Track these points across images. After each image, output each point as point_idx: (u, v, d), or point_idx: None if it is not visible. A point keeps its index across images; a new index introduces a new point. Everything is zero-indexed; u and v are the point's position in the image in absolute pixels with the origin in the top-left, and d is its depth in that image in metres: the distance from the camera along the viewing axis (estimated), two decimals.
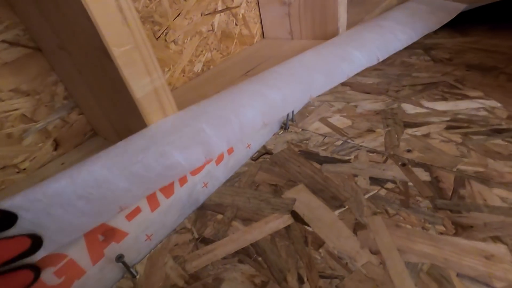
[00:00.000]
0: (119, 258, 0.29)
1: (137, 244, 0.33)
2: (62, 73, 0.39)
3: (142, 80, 0.30)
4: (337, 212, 0.35)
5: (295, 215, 0.36)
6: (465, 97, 0.50)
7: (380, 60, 0.54)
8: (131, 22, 0.27)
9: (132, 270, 0.31)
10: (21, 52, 0.38)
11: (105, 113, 0.38)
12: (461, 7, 0.71)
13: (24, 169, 0.41)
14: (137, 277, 0.32)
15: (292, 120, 0.53)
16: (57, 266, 0.27)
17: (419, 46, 0.71)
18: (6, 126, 0.38)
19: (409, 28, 0.64)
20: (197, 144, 0.33)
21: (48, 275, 0.26)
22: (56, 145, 0.44)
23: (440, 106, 0.49)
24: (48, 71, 0.40)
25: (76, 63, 0.34)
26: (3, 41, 0.36)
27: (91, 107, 0.40)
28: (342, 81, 0.48)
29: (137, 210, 0.33)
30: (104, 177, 0.27)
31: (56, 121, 0.43)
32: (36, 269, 0.25)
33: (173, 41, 0.56)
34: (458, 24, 0.76)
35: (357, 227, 0.33)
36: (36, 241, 0.25)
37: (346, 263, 0.30)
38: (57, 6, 0.28)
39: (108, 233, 0.30)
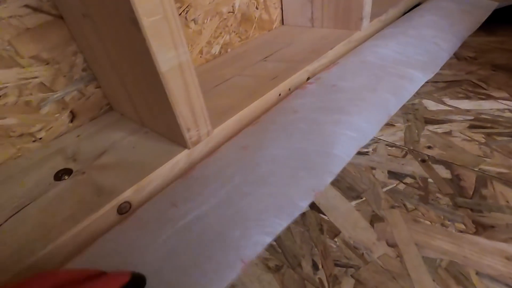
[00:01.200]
0: None
1: None
2: (83, 43, 0.39)
3: (168, 53, 0.29)
4: (353, 203, 0.35)
5: (311, 203, 0.35)
6: (490, 97, 0.49)
7: (435, 73, 0.54)
8: None
9: None
10: (43, 19, 0.37)
11: (124, 87, 0.38)
12: (494, 5, 0.68)
13: (40, 138, 0.41)
14: None
15: None
16: None
17: None
18: (25, 94, 0.38)
19: (451, 34, 0.62)
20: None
21: None
22: (73, 116, 0.43)
23: (463, 104, 0.48)
24: (68, 41, 0.40)
25: (99, 33, 0.33)
26: (26, 6, 0.35)
27: (110, 80, 0.40)
28: (408, 98, 0.47)
29: None
30: None
31: (74, 93, 0.42)
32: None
33: (193, 20, 0.54)
34: (485, 23, 0.74)
35: (374, 219, 0.33)
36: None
37: (362, 253, 0.29)
38: None
39: None
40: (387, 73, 0.49)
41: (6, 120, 0.37)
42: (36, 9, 0.36)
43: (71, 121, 0.43)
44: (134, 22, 0.26)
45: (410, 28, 0.64)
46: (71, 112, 0.43)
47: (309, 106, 0.41)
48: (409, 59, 0.55)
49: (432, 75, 0.53)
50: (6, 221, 0.30)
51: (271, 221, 0.31)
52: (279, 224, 0.31)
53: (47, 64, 0.39)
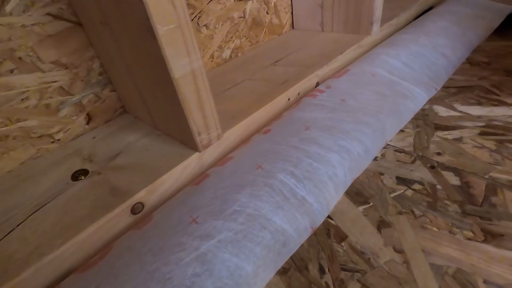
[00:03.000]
0: None
1: None
2: (100, 49, 0.40)
3: (182, 60, 0.30)
4: (361, 208, 0.35)
5: None
6: (502, 103, 0.48)
7: (438, 90, 0.53)
8: (176, 1, 0.28)
9: None
10: (63, 26, 0.39)
11: (139, 91, 0.39)
12: (509, 9, 0.67)
13: (58, 140, 0.43)
14: None
15: None
16: None
17: None
18: (45, 97, 0.40)
19: (461, 44, 0.61)
20: (303, 214, 0.32)
21: None
22: (89, 119, 0.45)
23: (475, 110, 0.47)
24: (86, 46, 0.41)
25: (116, 39, 0.35)
26: (48, 14, 0.37)
27: (125, 84, 0.41)
28: (409, 119, 0.47)
29: None
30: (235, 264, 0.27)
31: (90, 96, 0.44)
32: None
33: (205, 25, 0.56)
34: (499, 27, 0.73)
35: (381, 224, 0.33)
36: None
37: (369, 258, 0.30)
38: None
39: None
40: (394, 92, 0.49)
41: (27, 122, 0.39)
42: (57, 17, 0.38)
43: (87, 123, 0.45)
44: (149, 30, 0.28)
45: (422, 35, 0.63)
46: (88, 114, 0.45)
47: (320, 123, 0.41)
48: (416, 73, 0.55)
49: (435, 92, 0.53)
50: (26, 218, 0.31)
51: None
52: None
53: (66, 68, 0.40)
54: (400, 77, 0.53)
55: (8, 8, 0.34)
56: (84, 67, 0.42)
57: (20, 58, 0.36)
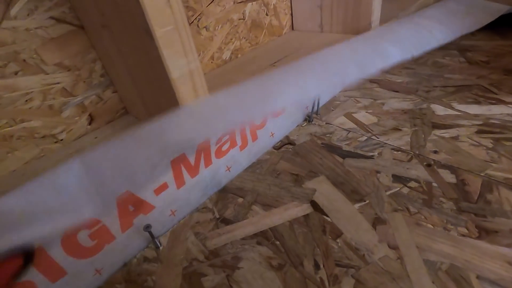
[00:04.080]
0: (147, 227, 0.31)
1: (162, 218, 0.35)
2: (102, 51, 0.41)
3: (179, 61, 0.31)
4: (357, 205, 0.35)
5: (314, 205, 0.36)
6: (500, 102, 0.48)
7: (415, 57, 0.52)
8: (173, 4, 0.28)
9: (156, 241, 0.33)
10: (66, 29, 0.40)
11: (139, 92, 0.40)
12: (504, 9, 0.67)
13: (61, 140, 0.44)
14: (161, 248, 0.34)
15: (316, 113, 0.53)
16: (91, 230, 0.29)
17: (455, 47, 0.69)
18: (48, 98, 0.41)
19: (446, 27, 0.61)
20: None
21: (83, 237, 0.29)
22: (91, 119, 0.46)
23: (472, 109, 0.48)
24: (88, 49, 0.42)
25: (116, 42, 0.36)
26: (51, 17, 0.38)
27: (126, 85, 0.42)
28: (373, 73, 0.47)
29: (164, 186, 0.34)
30: None
31: (92, 97, 0.45)
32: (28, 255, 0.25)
33: (205, 27, 0.57)
34: (499, 26, 0.73)
35: (377, 221, 0.33)
36: (28, 257, 0.25)
37: (363, 254, 0.30)
38: None
39: (138, 205, 0.32)
40: (363, 46, 0.50)
41: (31, 122, 0.40)
42: (59, 20, 0.39)
43: (90, 123, 0.46)
44: (147, 32, 0.28)
45: (408, 19, 0.63)
46: (90, 115, 0.46)
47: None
48: (392, 35, 0.54)
49: (410, 56, 0.51)
50: None
51: None
52: None
53: (69, 70, 0.42)
54: (379, 37, 0.53)
55: (12, 12, 0.36)
56: (86, 69, 0.43)
57: (24, 60, 0.37)
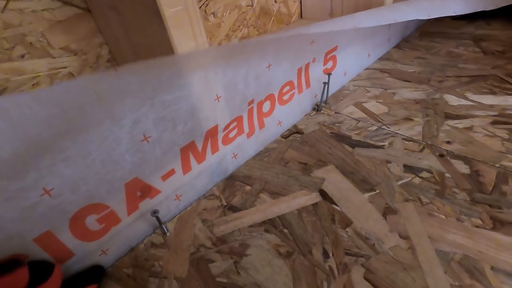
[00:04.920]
0: (154, 212, 0.31)
1: (168, 203, 0.35)
2: (108, 35, 0.41)
3: (188, 43, 0.30)
4: (367, 195, 0.35)
5: (323, 194, 0.36)
6: None
7: (431, 17, 0.49)
8: None
9: (163, 226, 0.33)
10: (73, 12, 0.39)
11: None
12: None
13: None
14: (168, 234, 0.34)
15: (325, 102, 0.52)
16: (99, 214, 0.29)
17: (469, 37, 0.67)
18: (55, 82, 0.40)
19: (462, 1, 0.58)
20: None
21: (91, 222, 0.28)
22: None
23: (487, 100, 0.46)
24: (95, 33, 0.42)
25: (124, 24, 0.35)
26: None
27: None
28: (388, 22, 0.45)
29: (172, 172, 0.34)
30: None
31: None
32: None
33: (213, 13, 0.55)
34: None
35: (387, 211, 0.33)
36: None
37: (374, 244, 0.30)
38: None
39: (145, 189, 0.32)
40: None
41: None
42: (66, 3, 0.38)
43: None
44: (156, 12, 0.28)
45: None
46: None
47: None
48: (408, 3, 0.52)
49: (427, 16, 0.49)
50: None
51: None
52: None
53: (75, 55, 0.41)
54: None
55: None
56: (93, 54, 0.43)
57: (30, 43, 0.37)
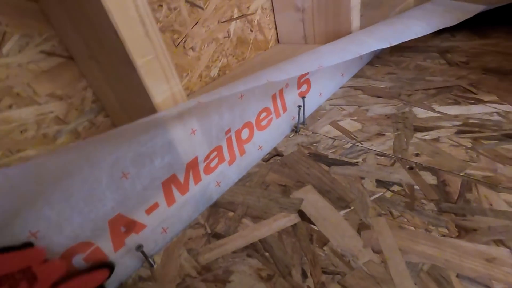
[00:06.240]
0: (139, 247, 0.32)
1: (154, 236, 0.36)
2: (91, 79, 0.44)
3: (161, 86, 0.33)
4: (342, 212, 0.37)
5: (302, 214, 0.38)
6: (479, 101, 0.50)
7: (392, 44, 0.54)
8: (152, 34, 0.30)
9: (150, 259, 0.34)
10: (56, 61, 0.42)
11: (128, 117, 0.42)
12: (480, 8, 0.69)
13: None
14: (155, 266, 0.35)
15: (303, 123, 0.55)
16: (85, 252, 0.30)
17: (435, 49, 0.71)
18: (42, 127, 0.42)
19: (423, 22, 0.63)
20: None
21: (78, 261, 0.30)
22: None
23: (452, 110, 0.49)
24: (79, 78, 0.45)
25: (103, 71, 0.38)
26: (42, 51, 0.40)
27: (116, 111, 0.44)
28: (351, 57, 0.49)
29: (155, 205, 0.36)
30: None
31: (85, 123, 0.47)
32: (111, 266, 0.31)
33: (191, 48, 0.59)
34: (478, 26, 0.75)
35: (361, 227, 0.34)
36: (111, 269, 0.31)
37: (349, 260, 0.31)
38: (89, 21, 0.32)
39: (129, 225, 0.33)
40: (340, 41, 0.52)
41: (27, 151, 0.42)
42: (50, 53, 0.41)
43: None
44: (129, 63, 0.30)
45: (386, 21, 0.65)
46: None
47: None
48: (369, 32, 0.57)
49: (389, 44, 0.54)
50: None
51: None
52: None
53: (61, 99, 0.44)
54: (356, 35, 0.56)
55: (5, 50, 0.38)
56: (78, 97, 0.45)
57: (17, 94, 0.40)
